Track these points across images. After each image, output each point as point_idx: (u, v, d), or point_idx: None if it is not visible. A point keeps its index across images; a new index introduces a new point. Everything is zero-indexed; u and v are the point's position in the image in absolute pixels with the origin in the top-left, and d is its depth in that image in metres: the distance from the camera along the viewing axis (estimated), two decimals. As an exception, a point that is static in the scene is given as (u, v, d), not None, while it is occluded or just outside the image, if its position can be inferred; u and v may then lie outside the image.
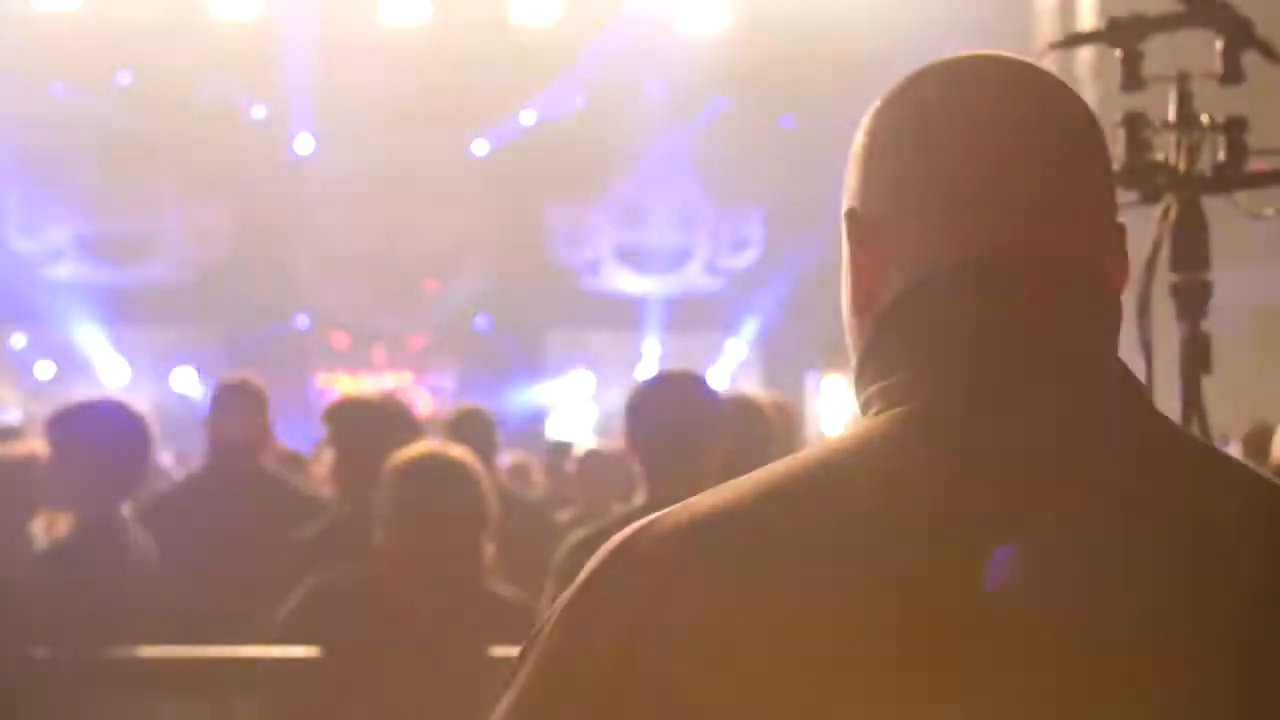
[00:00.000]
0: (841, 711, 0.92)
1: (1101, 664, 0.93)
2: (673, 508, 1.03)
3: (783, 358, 15.35)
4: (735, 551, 0.97)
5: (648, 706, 0.95)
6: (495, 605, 3.20)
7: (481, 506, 3.25)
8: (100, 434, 3.58)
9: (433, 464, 3.27)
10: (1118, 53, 2.23)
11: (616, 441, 5.53)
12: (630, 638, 0.97)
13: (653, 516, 1.03)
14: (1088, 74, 10.06)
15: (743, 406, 3.86)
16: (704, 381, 3.41)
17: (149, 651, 3.36)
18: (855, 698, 0.92)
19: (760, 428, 3.76)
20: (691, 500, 1.02)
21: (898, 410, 1.03)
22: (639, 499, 3.22)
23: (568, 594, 1.02)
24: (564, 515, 5.44)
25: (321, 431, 4.48)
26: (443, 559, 3.21)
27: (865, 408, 1.07)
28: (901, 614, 0.93)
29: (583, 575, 1.02)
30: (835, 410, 13.16)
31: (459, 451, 3.37)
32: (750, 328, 16.26)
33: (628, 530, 1.03)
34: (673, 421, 3.21)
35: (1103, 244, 1.09)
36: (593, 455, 6.08)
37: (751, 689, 0.93)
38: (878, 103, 1.13)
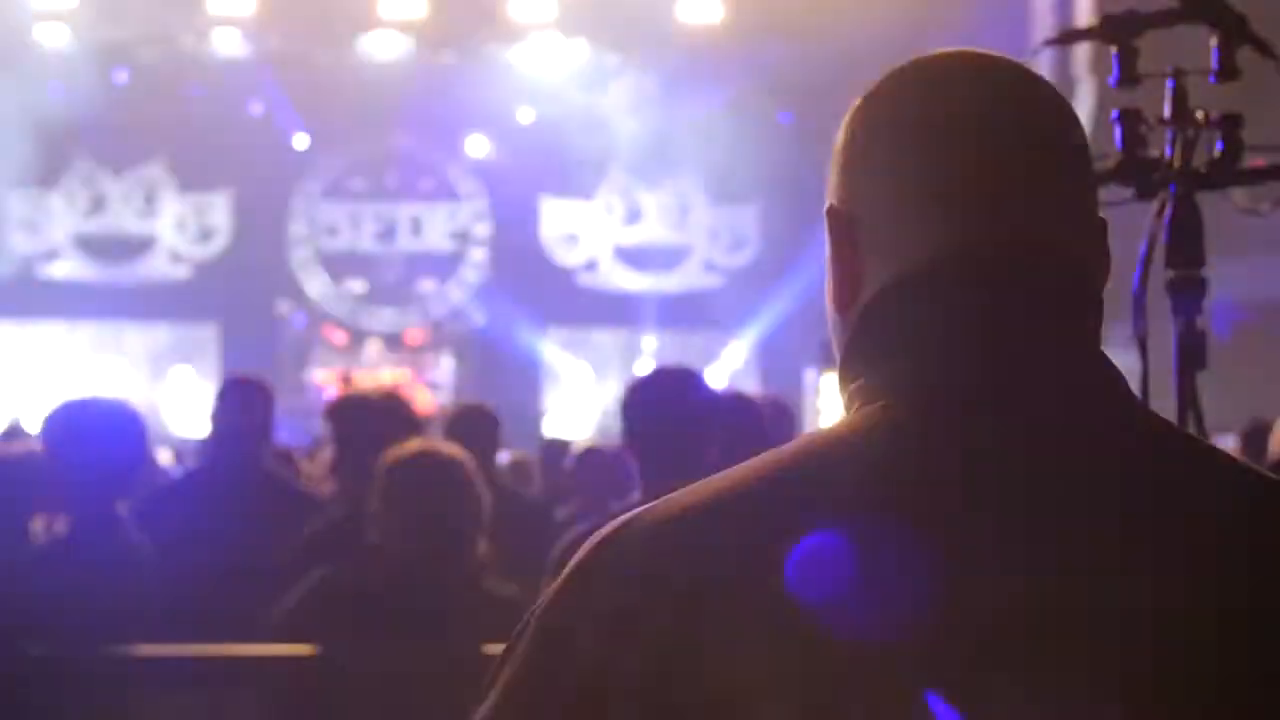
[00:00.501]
0: (826, 705, 0.91)
1: (1100, 663, 0.92)
2: (657, 501, 1.02)
3: (781, 355, 15.34)
4: (717, 544, 0.97)
5: (632, 700, 0.94)
6: (490, 603, 3.20)
7: (474, 504, 3.25)
8: (94, 433, 3.57)
9: (425, 462, 3.27)
10: (1113, 49, 2.23)
11: (614, 439, 5.53)
12: (613, 631, 0.96)
13: (638, 510, 1.02)
14: (1084, 70, 10.06)
15: (739, 404, 3.86)
16: (700, 378, 3.41)
17: (145, 650, 3.36)
18: (841, 694, 0.91)
19: (756, 425, 3.76)
20: (676, 494, 1.02)
21: (877, 405, 1.03)
22: (635, 497, 3.22)
23: (553, 588, 1.02)
24: (562, 512, 5.44)
25: (317, 427, 4.48)
26: (436, 557, 3.22)
27: (847, 404, 1.07)
28: (883, 623, 0.92)
29: (568, 569, 1.02)
30: (833, 407, 13.16)
31: (452, 449, 3.37)
32: (748, 325, 16.25)
33: (613, 524, 1.02)
34: (669, 419, 3.21)
35: (1083, 239, 1.09)
36: (591, 453, 6.07)
37: (733, 682, 0.92)
38: (859, 100, 1.13)
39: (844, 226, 1.10)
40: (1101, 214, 1.12)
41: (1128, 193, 2.20)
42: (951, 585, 0.93)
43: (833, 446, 1.03)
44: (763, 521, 0.97)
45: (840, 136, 1.13)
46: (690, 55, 15.29)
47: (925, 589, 0.93)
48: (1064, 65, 10.26)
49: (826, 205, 1.13)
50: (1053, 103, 1.10)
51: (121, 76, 15.65)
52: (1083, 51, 9.87)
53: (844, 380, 1.09)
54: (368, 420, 4.02)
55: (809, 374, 13.72)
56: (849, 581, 0.93)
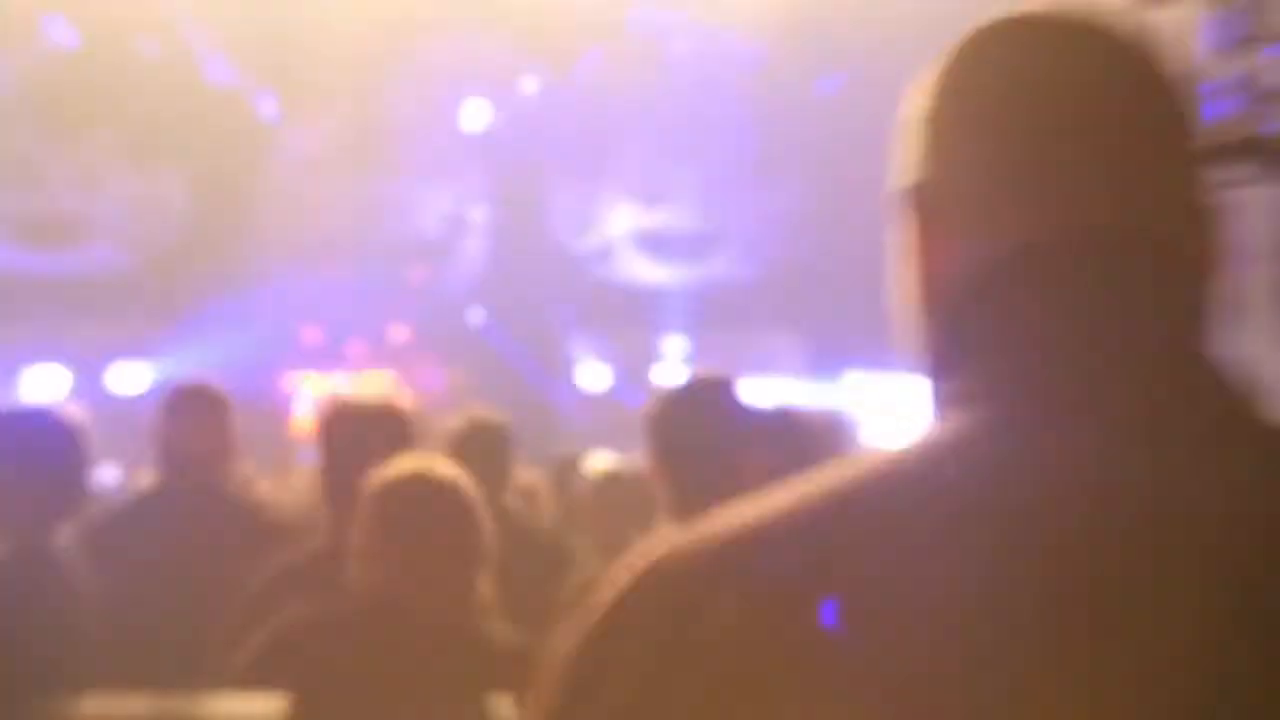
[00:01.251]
0: None
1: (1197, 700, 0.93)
2: (697, 527, 1.04)
3: (825, 355, 15.39)
4: (772, 572, 0.99)
5: None
6: (488, 651, 3.18)
7: (474, 536, 3.23)
8: (26, 449, 3.56)
9: (417, 486, 3.25)
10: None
11: (635, 460, 5.50)
12: (652, 679, 0.98)
13: (675, 539, 1.04)
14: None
15: (784, 419, 3.85)
16: (737, 389, 3.39)
17: (89, 704, 3.35)
18: None
19: (806, 443, 3.74)
20: (720, 517, 1.04)
21: (967, 416, 1.05)
22: (663, 528, 3.20)
23: (594, 619, 1.04)
24: (576, 544, 5.41)
25: (288, 439, 4.46)
26: (428, 597, 3.20)
27: (934, 410, 1.10)
28: (962, 658, 0.94)
29: (609, 600, 1.04)
30: (879, 412, 13.20)
31: (449, 469, 3.34)
32: (789, 323, 16.26)
33: (657, 549, 1.04)
34: (703, 437, 3.21)
35: (1186, 221, 1.11)
36: (609, 479, 6.03)
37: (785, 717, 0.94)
38: (935, 66, 1.16)
39: (925, 208, 1.14)
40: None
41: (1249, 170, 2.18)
42: (1022, 628, 0.94)
43: (907, 465, 1.04)
44: (821, 550, 0.99)
45: (917, 106, 1.16)
46: (723, 11, 15.30)
47: (991, 629, 0.94)
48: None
49: (904, 183, 1.15)
50: (1150, 68, 1.12)
51: (66, 35, 15.73)
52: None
53: (931, 380, 1.12)
54: (360, 435, 3.97)
55: (853, 374, 13.79)
56: (908, 628, 0.94)
